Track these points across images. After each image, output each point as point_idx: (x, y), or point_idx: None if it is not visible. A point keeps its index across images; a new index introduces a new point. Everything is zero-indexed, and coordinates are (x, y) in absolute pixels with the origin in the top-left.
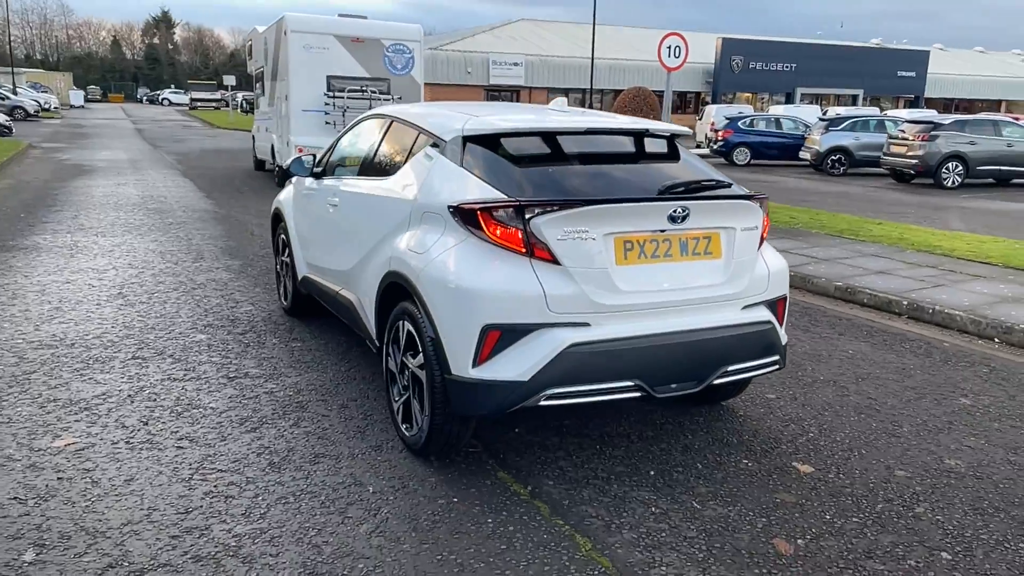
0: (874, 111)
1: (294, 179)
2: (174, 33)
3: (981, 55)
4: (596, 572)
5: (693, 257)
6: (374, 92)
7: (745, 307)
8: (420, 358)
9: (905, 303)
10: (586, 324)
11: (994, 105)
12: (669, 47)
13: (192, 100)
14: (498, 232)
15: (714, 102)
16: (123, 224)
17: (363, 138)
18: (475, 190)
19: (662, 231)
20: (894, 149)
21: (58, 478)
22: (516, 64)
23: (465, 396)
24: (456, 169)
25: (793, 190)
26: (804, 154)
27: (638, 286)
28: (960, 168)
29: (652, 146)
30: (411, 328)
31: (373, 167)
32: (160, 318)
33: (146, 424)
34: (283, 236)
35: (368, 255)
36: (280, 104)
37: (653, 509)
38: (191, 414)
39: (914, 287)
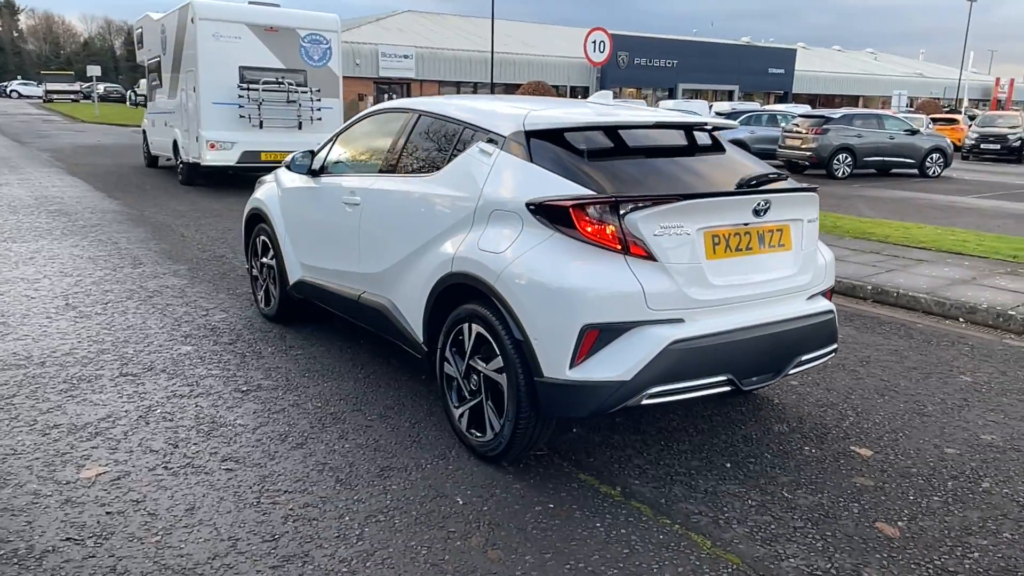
0: (761, 106)
1: (274, 177)
2: (19, 20)
3: (839, 53)
4: (728, 570)
5: (769, 249)
6: (291, 84)
7: (809, 297)
8: (497, 362)
9: (869, 287)
10: (680, 320)
11: (852, 100)
12: (594, 42)
13: (47, 92)
14: (591, 229)
15: None
16: (30, 228)
17: (378, 134)
18: (555, 187)
19: (745, 224)
20: (789, 142)
21: (107, 512)
22: (406, 56)
23: (561, 398)
24: (526, 165)
25: None
26: None
27: (726, 280)
28: (849, 159)
29: (701, 139)
30: (482, 331)
31: (403, 164)
32: (129, 330)
33: (176, 447)
34: (263, 238)
35: (411, 256)
36: (185, 97)
37: (749, 502)
38: (222, 433)
39: (870, 272)
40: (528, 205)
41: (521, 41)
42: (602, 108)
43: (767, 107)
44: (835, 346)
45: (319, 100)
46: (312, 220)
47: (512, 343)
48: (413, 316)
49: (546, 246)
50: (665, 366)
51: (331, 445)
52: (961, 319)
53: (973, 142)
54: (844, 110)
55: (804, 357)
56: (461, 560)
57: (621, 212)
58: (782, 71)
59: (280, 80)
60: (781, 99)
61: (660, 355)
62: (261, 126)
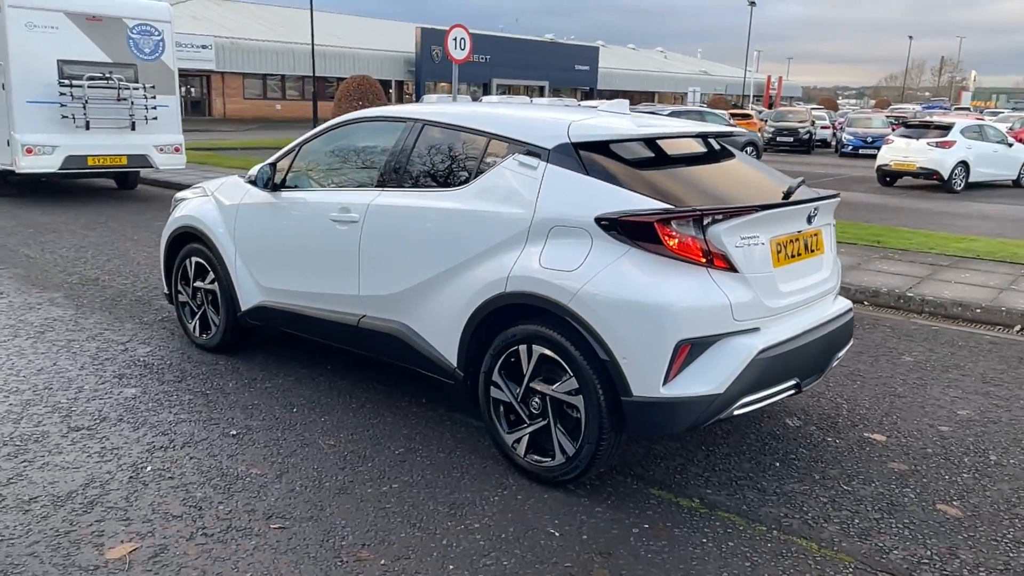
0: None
1: (207, 192)
2: None
3: (633, 52)
4: (849, 570)
5: (810, 254)
6: (121, 80)
7: (835, 297)
8: (570, 383)
9: None
10: (757, 329)
11: (649, 96)
12: (455, 39)
13: None
14: (675, 243)
15: (418, 91)
16: None
17: (363, 145)
18: (624, 201)
19: (799, 232)
20: None
21: None
22: (205, 47)
23: (653, 416)
24: (583, 179)
25: None
26: None
27: (788, 287)
28: None
29: (716, 146)
30: (548, 352)
31: (410, 178)
32: (43, 374)
33: (200, 508)
34: (197, 260)
35: (439, 278)
36: None
37: (820, 499)
38: (243, 486)
39: None
40: (600, 220)
41: (330, 33)
42: (633, 117)
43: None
44: (852, 340)
45: (153, 97)
46: (280, 240)
47: (591, 363)
48: (442, 340)
49: (626, 262)
50: (753, 376)
51: (377, 487)
52: (865, 302)
53: (771, 135)
54: (671, 108)
55: (839, 354)
56: None
57: (704, 224)
58: (587, 68)
59: (108, 75)
60: (587, 95)
61: (749, 365)
62: (87, 127)
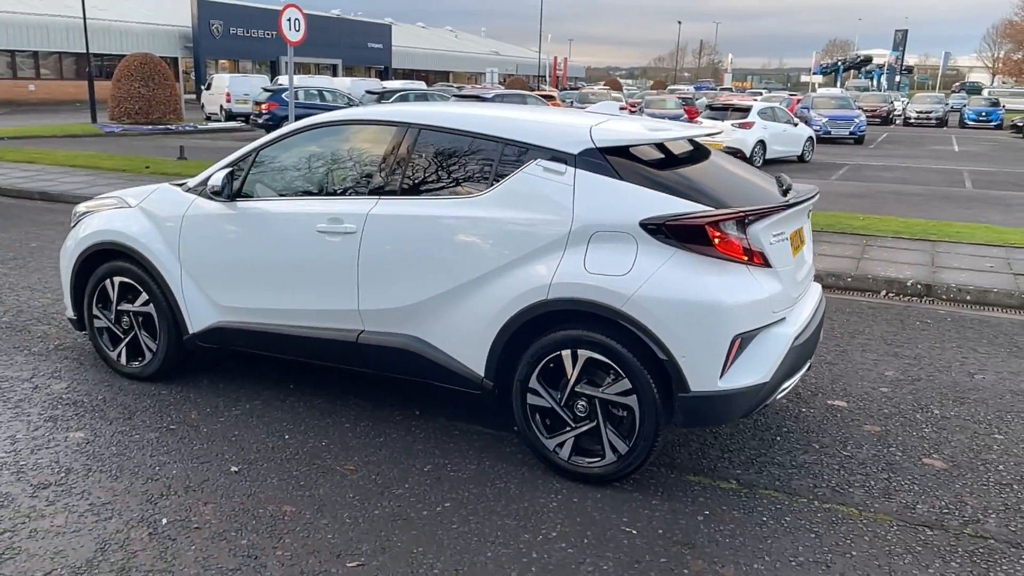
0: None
1: (130, 202)
2: None
3: (423, 29)
4: (893, 529)
5: (802, 245)
6: None
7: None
8: (622, 384)
9: None
10: (784, 319)
11: (443, 76)
12: (289, 20)
13: None
14: (722, 243)
15: (197, 69)
16: None
17: (349, 149)
18: (664, 204)
19: (800, 226)
20: None
21: None
22: None
23: (708, 409)
24: (617, 183)
25: None
26: None
27: (798, 277)
28: None
29: (700, 146)
30: (596, 356)
31: (413, 185)
32: None
33: (257, 559)
34: (123, 280)
35: (463, 288)
36: None
37: (832, 466)
38: (291, 528)
39: None
40: (646, 225)
41: (93, 5)
42: (640, 120)
43: (447, 87)
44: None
45: None
46: (245, 255)
47: (645, 363)
48: (465, 351)
49: (676, 264)
50: (790, 362)
51: (431, 508)
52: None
53: None
54: (496, 90)
55: (820, 334)
56: None
57: (745, 224)
58: (380, 46)
59: None
60: (382, 74)
61: (788, 353)
62: None
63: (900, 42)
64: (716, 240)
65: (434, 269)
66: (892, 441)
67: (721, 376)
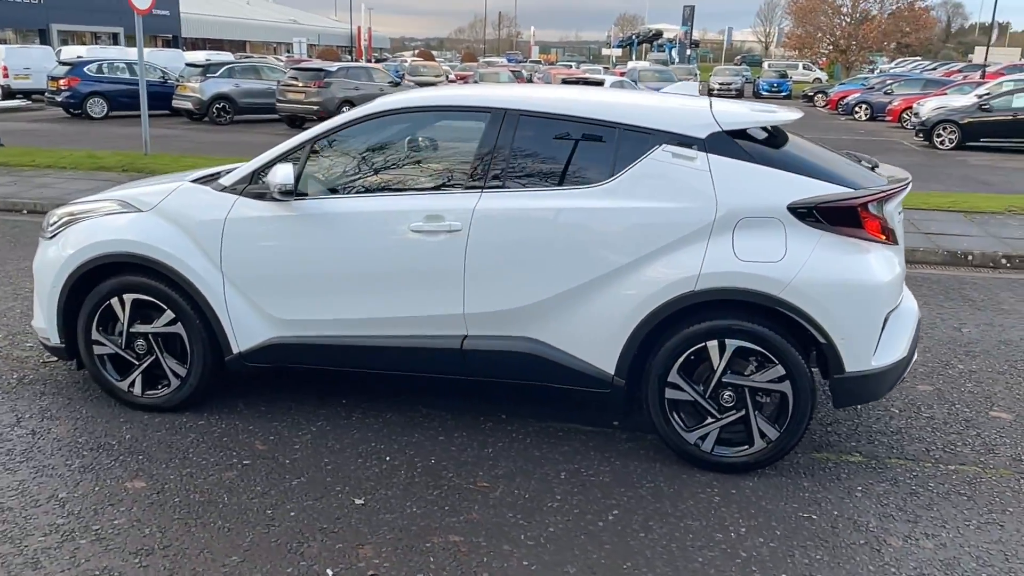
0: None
1: (157, 204)
2: None
3: None
4: (1018, 481)
5: None
6: None
7: None
8: (775, 371)
9: None
10: (903, 295)
11: (239, 46)
12: None
13: None
14: (869, 224)
15: None
16: None
17: (430, 138)
18: (813, 187)
19: None
20: (291, 96)
21: None
22: None
23: (861, 388)
24: (753, 167)
25: (206, 144)
26: (182, 103)
27: None
28: None
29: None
30: (745, 344)
31: (519, 176)
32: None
33: None
34: (139, 297)
35: (594, 283)
36: None
37: (927, 428)
38: (486, 562)
39: None
40: (795, 208)
41: None
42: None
43: (247, 58)
44: None
45: None
46: (317, 260)
47: (801, 348)
48: (593, 350)
49: (825, 246)
50: (917, 336)
51: (603, 517)
52: None
53: None
54: (339, 64)
55: None
56: (911, 562)
57: (883, 205)
58: (167, 13)
59: None
60: (170, 43)
61: (917, 328)
62: None
63: (688, 17)
64: (865, 221)
65: (556, 265)
66: (951, 398)
67: (873, 355)
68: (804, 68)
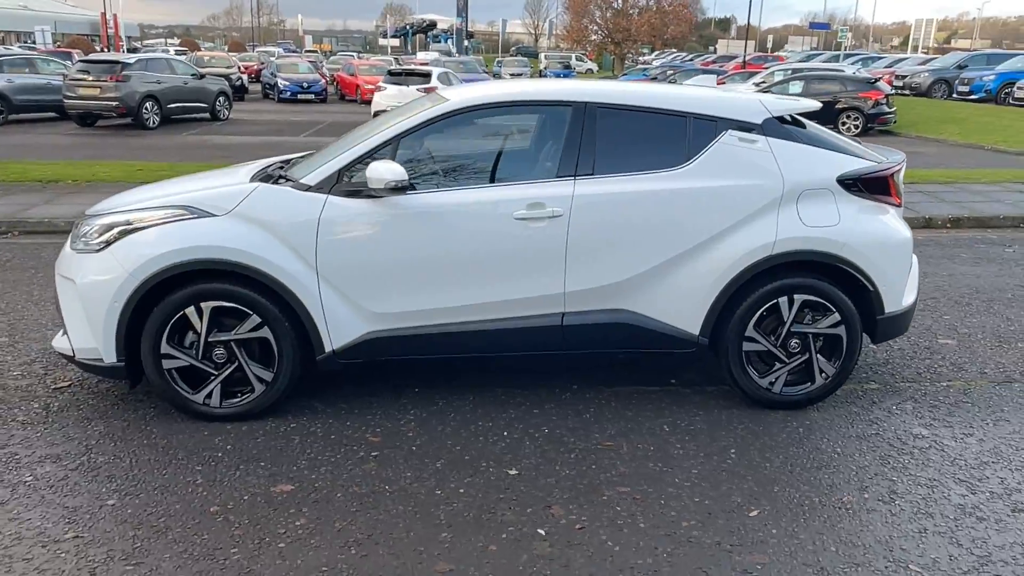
0: None
1: (232, 208)
2: None
3: None
4: None
5: None
6: None
7: None
8: (833, 318)
9: None
10: None
11: None
12: None
13: None
14: (894, 191)
15: None
16: None
17: (514, 131)
18: (852, 162)
19: None
20: (82, 91)
21: None
22: None
23: (894, 326)
24: (803, 148)
25: None
26: None
27: None
28: (156, 107)
29: None
30: (810, 297)
31: (604, 164)
32: (66, 546)
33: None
34: (218, 304)
35: (682, 256)
36: None
37: (918, 360)
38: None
39: None
40: (843, 180)
41: None
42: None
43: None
44: None
45: None
46: (419, 252)
47: (854, 296)
48: (681, 316)
49: (864, 210)
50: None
51: (796, 471)
52: None
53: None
54: (136, 56)
55: None
56: (970, 454)
57: (897, 176)
58: None
59: None
60: None
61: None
62: None
63: (463, 8)
64: (891, 188)
65: (648, 243)
66: (976, 351)
67: (903, 297)
68: (576, 60)
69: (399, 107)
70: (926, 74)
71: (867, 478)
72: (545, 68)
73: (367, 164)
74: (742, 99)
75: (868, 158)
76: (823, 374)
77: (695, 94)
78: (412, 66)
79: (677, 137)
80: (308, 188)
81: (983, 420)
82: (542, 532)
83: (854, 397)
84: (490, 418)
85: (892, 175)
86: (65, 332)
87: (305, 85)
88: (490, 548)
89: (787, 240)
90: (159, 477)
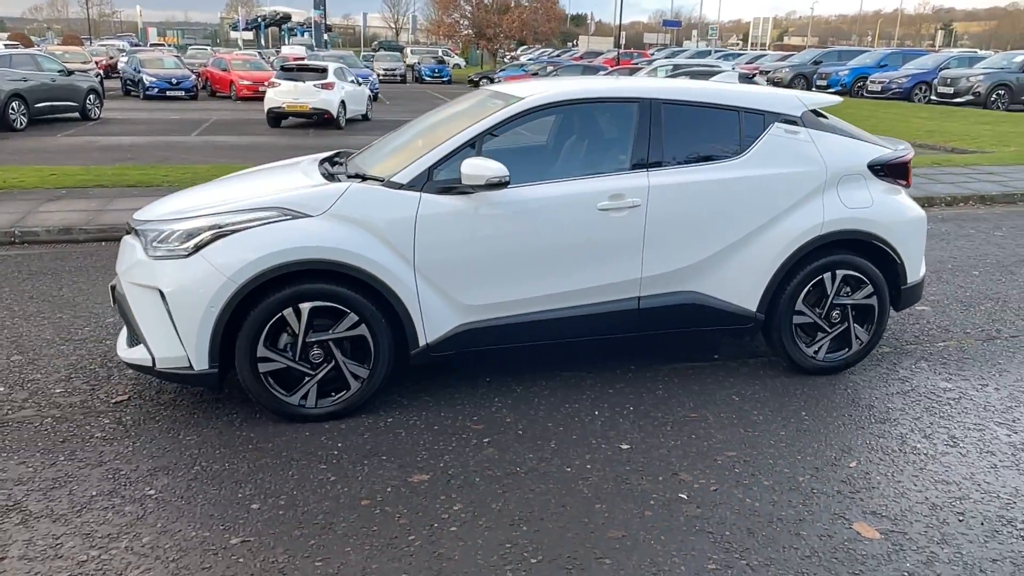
0: None
1: (327, 209)
2: None
3: None
4: None
5: None
6: None
7: None
8: (867, 290)
9: None
10: None
11: None
12: None
13: None
14: (908, 175)
15: None
16: None
17: (588, 128)
18: (870, 150)
19: None
20: None
21: None
22: None
23: (912, 296)
24: (836, 137)
25: None
26: None
27: None
28: (23, 108)
29: None
30: (850, 272)
31: (671, 156)
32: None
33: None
34: (316, 304)
35: (745, 239)
36: None
37: (908, 325)
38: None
39: None
40: (872, 166)
41: None
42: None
43: None
44: None
45: None
46: (512, 245)
47: (884, 269)
48: (740, 294)
49: (888, 192)
50: None
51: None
52: None
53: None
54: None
55: None
56: (995, 399)
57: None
58: None
59: None
60: None
61: None
62: None
63: (320, 1)
64: (908, 173)
65: (714, 228)
66: (949, 315)
67: (920, 269)
68: (443, 54)
69: (465, 106)
70: (787, 69)
71: (925, 427)
72: (418, 63)
73: (451, 162)
74: (781, 93)
75: (886, 146)
76: (858, 340)
77: (742, 90)
78: (307, 61)
79: (731, 129)
80: (400, 186)
81: (989, 372)
82: (683, 496)
83: (875, 361)
84: (574, 400)
85: (908, 161)
86: (140, 342)
87: (174, 81)
88: (646, 513)
89: (833, 221)
90: (289, 479)
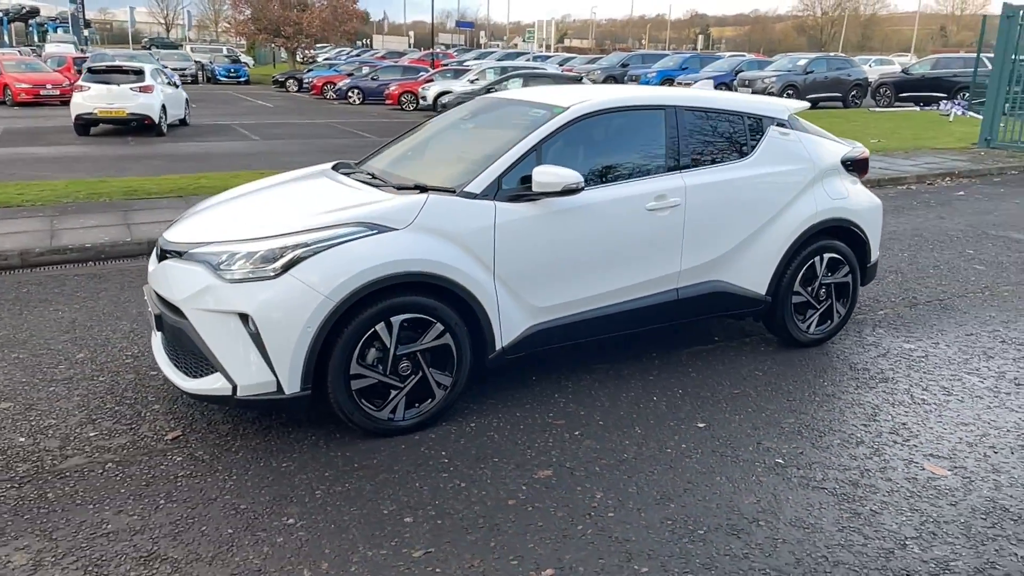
0: None
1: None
2: None
3: None
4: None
5: None
6: None
7: None
8: (845, 269)
9: None
10: None
11: None
12: None
13: None
14: (867, 167)
15: None
16: None
17: (626, 134)
18: (840, 147)
19: None
20: None
21: None
22: None
23: (873, 271)
24: (813, 137)
25: None
26: None
27: None
28: None
29: None
30: (834, 255)
31: (695, 157)
32: None
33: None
34: (408, 317)
35: (759, 231)
36: None
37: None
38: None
39: None
40: (844, 162)
41: None
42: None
43: None
44: None
45: None
46: (579, 247)
47: (857, 251)
48: (753, 280)
49: (856, 184)
50: None
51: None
52: None
53: None
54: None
55: None
56: (1012, 350)
57: None
58: None
59: None
60: None
61: None
62: None
63: None
64: (867, 166)
65: (737, 221)
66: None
67: (877, 250)
68: (227, 52)
69: (492, 114)
70: (598, 72)
71: (918, 381)
72: (211, 62)
73: (516, 170)
74: (771, 100)
75: (847, 144)
76: (838, 314)
77: (740, 97)
78: (119, 63)
79: (738, 132)
80: (475, 196)
81: (932, 332)
82: (779, 461)
83: (844, 332)
84: (627, 388)
85: (868, 157)
86: (216, 370)
87: None
88: (763, 480)
89: (824, 211)
90: (420, 491)
